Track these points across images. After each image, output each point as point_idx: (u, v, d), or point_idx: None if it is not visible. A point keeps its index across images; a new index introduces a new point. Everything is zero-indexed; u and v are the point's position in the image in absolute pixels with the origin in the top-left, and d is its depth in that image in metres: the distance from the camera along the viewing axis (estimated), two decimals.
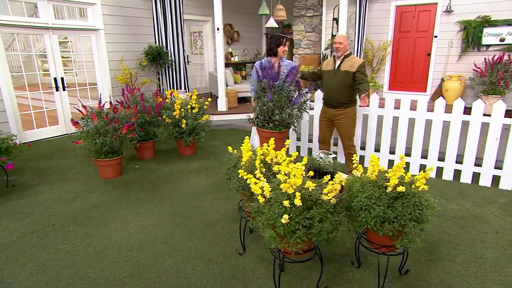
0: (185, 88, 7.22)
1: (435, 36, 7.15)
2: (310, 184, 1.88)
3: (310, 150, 4.78)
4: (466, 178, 3.84)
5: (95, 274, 2.39)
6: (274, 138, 2.44)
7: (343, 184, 2.17)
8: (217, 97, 6.93)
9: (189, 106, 4.68)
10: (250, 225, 2.17)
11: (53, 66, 5.66)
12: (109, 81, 6.51)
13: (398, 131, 4.07)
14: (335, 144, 4.58)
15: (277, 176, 2.02)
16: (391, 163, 4.22)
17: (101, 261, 2.54)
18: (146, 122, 4.58)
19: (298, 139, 4.80)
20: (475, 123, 3.67)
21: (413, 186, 2.01)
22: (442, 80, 7.02)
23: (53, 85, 5.73)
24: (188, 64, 8.04)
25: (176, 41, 6.95)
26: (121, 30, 6.59)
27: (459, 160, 3.87)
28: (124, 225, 3.04)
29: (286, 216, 1.81)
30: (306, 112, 3.89)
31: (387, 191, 1.98)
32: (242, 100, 7.61)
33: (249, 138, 2.59)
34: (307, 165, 2.85)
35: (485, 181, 3.74)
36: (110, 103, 4.40)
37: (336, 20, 7.71)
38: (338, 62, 3.63)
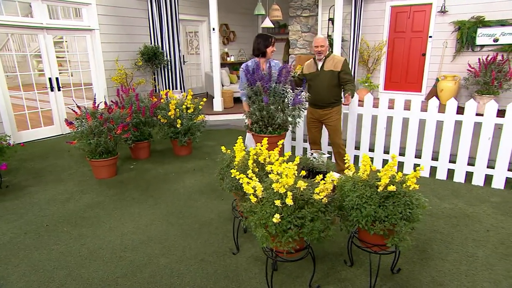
0: (181, 88, 7.22)
1: (430, 36, 7.21)
2: (302, 184, 1.89)
3: (305, 150, 4.80)
4: (459, 178, 3.87)
5: (88, 274, 2.39)
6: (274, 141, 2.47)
7: (335, 184, 2.19)
8: (213, 97, 6.94)
9: (184, 106, 4.68)
10: (243, 225, 2.17)
11: (47, 66, 5.64)
12: (105, 81, 6.49)
13: (392, 131, 4.09)
14: (330, 144, 4.59)
15: (269, 175, 2.03)
16: (385, 162, 4.25)
17: (95, 261, 2.54)
18: (141, 122, 4.57)
19: (293, 139, 4.82)
20: (468, 123, 3.70)
21: (404, 185, 2.02)
22: (437, 80, 7.07)
23: (48, 85, 5.71)
24: (184, 64, 8.03)
25: (172, 41, 6.95)
26: (116, 30, 6.58)
27: (453, 160, 3.90)
28: (118, 225, 3.04)
29: (277, 216, 1.82)
30: (302, 110, 3.87)
31: (378, 190, 2.00)
32: (238, 100, 7.59)
33: (243, 139, 2.60)
34: (301, 164, 2.87)
35: (478, 180, 3.77)
36: (105, 103, 4.38)
37: (331, 20, 7.74)
38: (320, 63, 3.64)
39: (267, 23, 7.45)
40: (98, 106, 4.10)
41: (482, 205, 3.32)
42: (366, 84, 7.76)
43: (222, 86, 7.43)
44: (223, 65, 8.92)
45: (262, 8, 7.42)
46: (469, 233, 2.83)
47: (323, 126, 3.98)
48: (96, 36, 6.24)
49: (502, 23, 6.27)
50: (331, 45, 7.78)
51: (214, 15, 6.21)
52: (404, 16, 7.50)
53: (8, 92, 5.26)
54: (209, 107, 6.94)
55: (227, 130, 6.28)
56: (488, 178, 3.74)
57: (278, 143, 2.53)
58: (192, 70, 9.29)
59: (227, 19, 9.36)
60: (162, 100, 4.84)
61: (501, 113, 3.52)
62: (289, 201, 1.83)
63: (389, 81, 8.01)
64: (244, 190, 1.98)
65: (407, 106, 4.01)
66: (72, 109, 4.16)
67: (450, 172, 3.93)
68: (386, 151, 4.24)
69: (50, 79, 5.69)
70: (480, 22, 6.48)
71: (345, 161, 2.28)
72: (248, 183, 1.97)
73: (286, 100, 3.52)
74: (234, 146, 2.44)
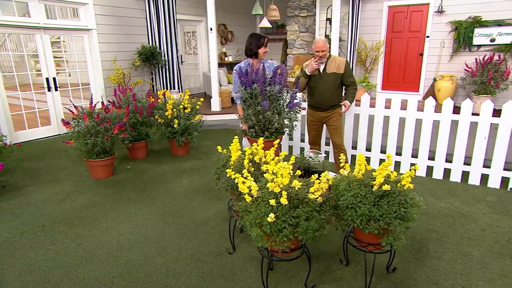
0: (178, 88, 7.22)
1: (427, 36, 7.21)
2: (297, 183, 1.90)
3: (302, 150, 4.81)
4: (455, 177, 3.88)
5: (84, 274, 2.39)
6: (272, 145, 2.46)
7: (331, 183, 2.19)
8: (211, 97, 6.94)
9: (181, 106, 4.68)
10: (238, 224, 2.18)
11: (45, 66, 5.63)
12: (102, 81, 6.49)
13: (389, 130, 4.10)
14: (327, 144, 4.60)
15: (265, 175, 2.03)
16: (382, 162, 4.25)
17: (91, 261, 2.54)
18: (138, 122, 4.57)
19: (291, 138, 4.82)
20: (464, 122, 3.71)
21: (398, 184, 2.03)
22: (434, 80, 7.08)
23: (45, 85, 5.70)
24: (181, 64, 8.03)
25: (170, 41, 6.94)
26: (114, 30, 6.58)
27: (449, 159, 3.91)
28: (114, 225, 3.04)
29: (272, 215, 1.82)
30: (299, 111, 3.70)
31: (373, 189, 2.01)
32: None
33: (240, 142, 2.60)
34: (297, 164, 2.87)
35: (474, 179, 3.78)
36: (102, 103, 4.38)
37: (329, 20, 7.75)
38: (322, 66, 3.54)
39: (265, 23, 7.46)
40: (95, 106, 4.10)
41: (478, 204, 3.33)
42: (364, 84, 7.76)
43: (220, 86, 7.44)
44: (221, 65, 8.93)
45: (260, 8, 7.43)
46: (465, 232, 2.84)
47: (323, 127, 3.93)
48: (94, 36, 6.23)
49: (498, 23, 6.28)
50: (329, 44, 7.80)
51: (212, 15, 6.22)
52: (401, 16, 7.51)
53: (5, 92, 5.25)
54: (207, 107, 6.94)
55: (225, 130, 6.28)
56: (484, 178, 3.75)
57: (274, 143, 2.54)
58: (190, 70, 9.29)
59: (225, 19, 9.36)
60: (159, 100, 4.84)
61: (498, 113, 3.53)
62: (283, 200, 1.83)
63: (387, 81, 8.01)
64: (239, 190, 1.98)
65: (404, 106, 4.02)
66: (69, 109, 4.16)
67: (447, 172, 3.94)
68: (383, 151, 4.25)
69: (47, 79, 5.68)
70: (477, 22, 6.49)
71: (340, 161, 2.28)
72: (243, 182, 1.98)
73: (281, 102, 3.30)
74: (230, 145, 2.45)
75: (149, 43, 6.92)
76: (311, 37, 8.56)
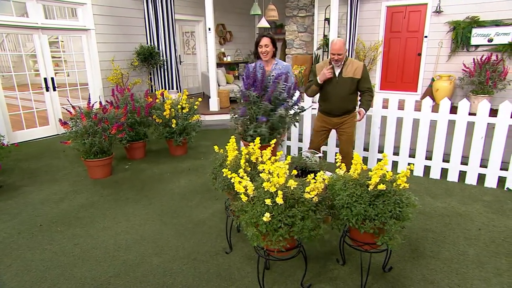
0: (177, 88, 7.22)
1: (426, 36, 7.23)
2: (292, 183, 1.90)
3: (300, 150, 4.81)
4: (452, 177, 3.89)
5: (81, 274, 2.40)
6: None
7: (327, 183, 2.20)
8: (209, 97, 6.94)
9: (179, 106, 4.69)
10: (234, 224, 2.18)
11: (43, 66, 5.63)
12: (100, 81, 6.49)
13: (387, 130, 4.11)
14: (325, 144, 4.61)
15: (261, 175, 2.04)
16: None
17: (88, 261, 2.54)
18: (136, 122, 4.58)
19: (288, 138, 4.83)
20: (461, 122, 3.72)
21: (394, 184, 2.04)
22: (433, 80, 7.10)
23: (43, 85, 5.70)
24: (180, 64, 8.03)
25: (168, 41, 6.94)
26: (112, 30, 6.58)
27: (446, 159, 3.92)
28: (112, 225, 3.05)
29: (267, 214, 1.83)
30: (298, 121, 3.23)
31: (369, 189, 2.01)
32: (234, 101, 7.62)
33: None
34: (294, 164, 2.88)
35: (471, 179, 3.79)
36: (100, 103, 4.38)
37: (328, 20, 7.75)
38: (338, 70, 3.29)
39: (263, 23, 7.46)
40: (93, 106, 4.10)
41: (475, 204, 3.34)
42: None
43: (219, 86, 7.44)
44: (219, 65, 8.93)
45: (258, 8, 7.44)
46: (461, 232, 2.85)
47: (330, 133, 3.67)
48: (92, 36, 6.23)
49: (496, 23, 6.30)
50: (327, 45, 7.81)
51: (210, 15, 6.22)
52: (399, 16, 7.52)
53: (2, 92, 5.25)
54: (206, 107, 6.95)
55: (223, 130, 6.28)
56: (481, 177, 3.76)
57: (270, 142, 2.54)
58: (188, 70, 9.29)
59: (224, 19, 9.36)
60: (157, 100, 4.84)
61: (495, 112, 3.54)
62: (279, 200, 1.84)
63: (385, 81, 8.03)
64: (236, 189, 1.99)
65: (402, 106, 4.03)
66: (67, 109, 4.16)
67: (444, 171, 3.95)
68: (381, 151, 4.26)
69: (45, 79, 5.68)
70: (475, 22, 6.51)
71: (336, 161, 2.29)
72: (239, 182, 1.98)
73: (278, 115, 2.69)
74: (227, 145, 2.45)
75: (147, 43, 6.92)
76: (309, 37, 8.57)
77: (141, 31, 6.98)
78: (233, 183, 2.02)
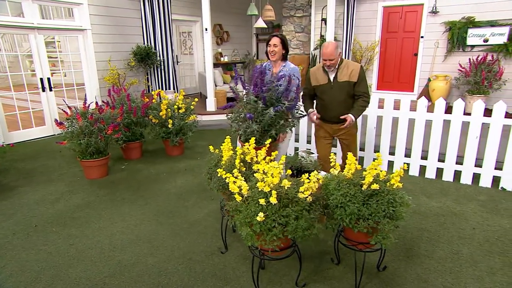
0: (174, 88, 7.21)
1: (422, 37, 7.25)
2: (286, 183, 1.91)
3: (296, 149, 4.82)
4: (448, 176, 3.91)
5: (76, 274, 2.39)
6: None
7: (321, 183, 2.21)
8: (207, 97, 6.94)
9: (175, 106, 4.68)
10: (228, 223, 2.19)
11: (39, 66, 5.61)
12: (97, 81, 6.47)
13: (382, 130, 4.12)
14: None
15: (255, 174, 2.04)
16: None
17: (83, 261, 2.54)
18: (133, 122, 4.57)
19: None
20: (456, 122, 3.74)
21: (388, 184, 2.05)
22: (429, 80, 7.12)
23: (39, 86, 5.68)
24: (177, 64, 8.03)
25: (165, 41, 6.94)
26: (108, 30, 6.56)
27: (442, 159, 3.94)
28: (108, 225, 3.04)
29: (261, 214, 1.83)
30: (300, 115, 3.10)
31: (363, 189, 2.02)
32: (231, 100, 7.61)
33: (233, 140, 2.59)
34: (289, 164, 2.89)
35: (466, 179, 3.81)
36: (96, 103, 4.37)
37: (324, 20, 7.77)
38: (332, 74, 3.08)
39: (260, 23, 7.47)
40: (89, 106, 4.09)
41: (469, 203, 3.36)
42: None
43: (216, 86, 7.44)
44: (217, 65, 8.93)
45: (255, 8, 7.44)
46: (456, 231, 2.87)
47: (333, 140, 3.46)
48: (88, 36, 6.21)
49: (491, 24, 6.33)
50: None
51: (207, 15, 6.22)
52: (396, 17, 7.54)
53: None
54: (203, 107, 6.95)
55: (220, 130, 6.29)
56: (476, 177, 3.78)
57: (265, 142, 2.54)
58: (185, 70, 9.28)
59: (221, 19, 9.36)
60: (153, 100, 4.84)
61: (491, 112, 3.56)
62: (273, 199, 1.84)
63: (382, 81, 8.05)
64: (230, 189, 1.99)
65: (398, 106, 4.04)
66: (62, 110, 4.15)
67: (439, 171, 3.97)
68: (377, 150, 4.27)
69: (41, 79, 5.66)
70: (471, 23, 6.53)
71: (331, 160, 2.30)
72: (234, 182, 1.99)
73: (268, 116, 2.66)
74: (222, 145, 2.46)
75: (144, 43, 6.91)
76: (306, 37, 8.59)
77: (138, 31, 6.97)
78: (228, 183, 2.02)
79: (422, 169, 4.06)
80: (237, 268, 2.45)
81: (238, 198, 1.98)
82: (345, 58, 7.62)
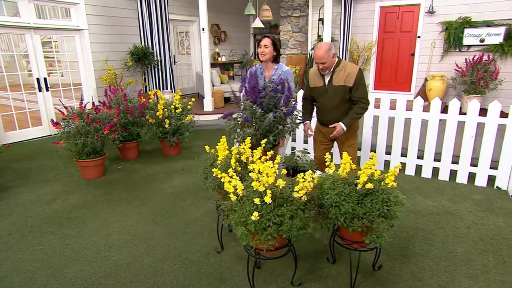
0: (171, 88, 7.21)
1: (419, 37, 7.28)
2: (281, 182, 1.91)
3: (292, 149, 4.83)
4: (443, 176, 3.92)
5: (71, 274, 2.39)
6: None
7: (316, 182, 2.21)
8: (204, 97, 6.94)
9: (172, 106, 4.68)
10: (223, 223, 2.19)
11: (35, 66, 5.60)
12: (94, 81, 6.46)
13: (378, 130, 4.14)
14: None
15: (250, 174, 2.05)
16: None
17: (79, 261, 2.53)
18: (129, 122, 4.57)
19: None
20: (452, 121, 3.76)
21: (382, 183, 2.06)
22: (426, 79, 7.14)
23: (36, 86, 5.66)
24: (174, 64, 8.02)
25: (162, 41, 6.93)
26: (105, 30, 6.55)
27: (438, 158, 3.95)
28: (104, 225, 3.04)
29: (256, 214, 1.84)
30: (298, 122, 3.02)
31: (357, 188, 2.03)
32: (229, 100, 7.63)
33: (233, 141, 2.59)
34: (285, 164, 2.90)
35: (462, 178, 3.83)
36: (93, 103, 4.37)
37: (322, 20, 7.78)
38: (327, 77, 2.90)
39: (257, 23, 7.48)
40: (85, 106, 4.09)
41: (465, 202, 3.37)
42: None
43: (213, 86, 7.44)
44: (214, 65, 8.93)
45: (252, 8, 7.45)
46: (451, 230, 2.88)
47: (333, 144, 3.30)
48: (85, 36, 6.20)
49: (488, 24, 6.36)
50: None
51: (204, 15, 6.22)
52: (393, 17, 7.57)
53: None
54: (200, 107, 6.95)
55: (218, 130, 6.29)
56: (472, 176, 3.80)
57: (261, 142, 2.55)
58: (183, 70, 9.28)
59: (218, 19, 9.36)
60: (150, 100, 4.83)
61: (487, 112, 3.58)
62: (267, 199, 1.85)
63: (379, 81, 8.07)
64: (225, 189, 2.00)
65: (395, 106, 4.05)
66: (59, 110, 4.14)
67: (435, 170, 3.99)
68: (373, 150, 4.29)
69: (38, 79, 5.65)
70: (467, 23, 6.57)
71: (326, 160, 2.31)
72: (229, 181, 1.99)
73: (267, 122, 2.65)
74: (217, 145, 2.46)
75: (141, 43, 6.91)
76: (304, 37, 8.60)
77: (135, 31, 6.96)
78: (223, 182, 2.03)
79: (418, 168, 4.07)
80: (233, 267, 2.45)
81: (233, 198, 1.99)
82: (342, 58, 7.65)
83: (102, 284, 2.30)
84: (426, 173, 4.01)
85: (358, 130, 3.20)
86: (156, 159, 4.75)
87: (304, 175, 2.00)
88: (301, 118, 2.93)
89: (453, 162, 3.87)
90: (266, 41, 2.96)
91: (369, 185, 1.97)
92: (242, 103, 2.76)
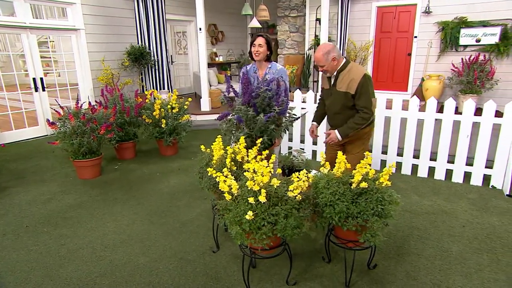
0: (168, 88, 7.20)
1: (415, 37, 7.31)
2: (275, 181, 1.92)
3: (289, 149, 4.83)
4: (439, 175, 3.94)
5: (66, 274, 2.39)
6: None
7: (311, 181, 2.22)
8: (201, 97, 6.93)
9: (169, 106, 4.68)
10: (219, 223, 2.19)
11: (31, 66, 5.58)
12: (91, 81, 6.45)
13: (375, 129, 4.14)
14: (314, 143, 4.65)
15: (245, 173, 2.05)
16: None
17: (74, 261, 2.53)
18: (126, 122, 4.56)
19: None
20: (447, 121, 3.77)
21: (377, 182, 2.06)
22: (422, 79, 7.17)
23: (32, 86, 5.64)
24: (172, 64, 8.02)
25: (159, 41, 6.93)
26: (102, 30, 6.54)
27: (434, 158, 3.97)
28: (99, 225, 3.04)
29: (250, 213, 1.84)
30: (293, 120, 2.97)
31: (352, 187, 2.04)
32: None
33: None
34: (281, 163, 2.90)
35: (457, 177, 3.84)
36: (89, 103, 4.36)
37: (319, 20, 7.79)
38: (332, 80, 2.76)
39: (255, 23, 7.48)
40: (81, 106, 4.08)
41: (460, 201, 3.39)
42: None
43: (210, 86, 7.44)
44: (211, 65, 8.93)
45: (249, 8, 7.45)
46: (446, 229, 2.89)
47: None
48: (82, 36, 6.19)
49: (483, 24, 6.39)
50: (318, 44, 7.84)
51: (201, 15, 6.22)
52: (390, 17, 7.59)
53: None
54: (197, 107, 6.94)
55: (215, 130, 6.28)
56: (467, 175, 3.81)
57: (257, 142, 2.55)
58: (180, 70, 9.27)
59: (215, 19, 9.36)
60: (147, 100, 4.83)
61: (479, 111, 3.60)
62: (262, 198, 1.85)
63: (376, 80, 8.08)
64: (220, 188, 2.00)
65: (391, 106, 4.06)
66: (55, 110, 4.13)
67: (431, 170, 4.00)
68: (370, 150, 4.29)
69: (34, 79, 5.63)
70: (463, 23, 6.59)
71: (321, 160, 2.31)
72: (224, 181, 2.00)
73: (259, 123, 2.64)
74: (212, 144, 2.46)
75: (138, 43, 6.89)
76: (301, 37, 8.61)
77: (132, 31, 6.95)
78: (218, 182, 2.03)
79: (414, 168, 4.08)
80: (228, 267, 2.45)
81: (228, 197, 1.99)
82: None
83: (97, 284, 2.29)
84: (422, 173, 4.02)
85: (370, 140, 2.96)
86: (153, 159, 4.74)
87: (299, 175, 2.01)
88: (295, 116, 2.90)
89: (448, 162, 3.88)
90: (260, 40, 2.93)
91: (364, 184, 1.97)
92: (236, 106, 2.75)
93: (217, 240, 2.70)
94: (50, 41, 7.58)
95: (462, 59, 6.48)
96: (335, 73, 2.70)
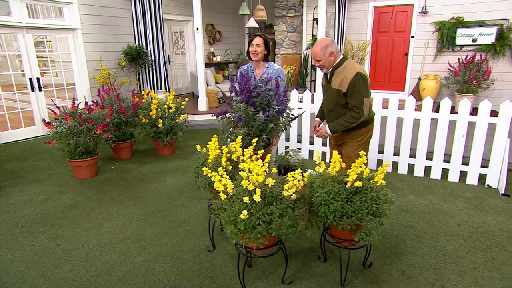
0: (165, 88, 7.20)
1: (412, 36, 7.33)
2: (270, 181, 1.92)
3: (286, 148, 4.84)
4: (435, 174, 3.95)
5: (62, 275, 2.38)
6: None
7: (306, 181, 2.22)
8: (198, 97, 6.93)
9: (165, 106, 4.68)
10: (214, 222, 2.20)
11: (28, 66, 5.56)
12: (88, 81, 6.43)
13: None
14: (311, 143, 4.66)
15: (240, 173, 2.05)
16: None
17: (69, 261, 2.52)
18: (122, 122, 4.55)
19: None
20: (443, 120, 3.78)
21: (371, 181, 2.07)
22: (419, 79, 7.20)
23: (28, 86, 5.63)
24: (169, 64, 8.01)
25: (156, 41, 6.92)
26: (99, 30, 6.52)
27: (429, 157, 3.98)
28: (96, 225, 3.03)
29: (245, 212, 1.84)
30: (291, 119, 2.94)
31: (347, 186, 2.04)
32: (223, 100, 7.62)
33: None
34: (277, 162, 2.91)
35: (453, 177, 3.86)
36: (86, 103, 4.35)
37: (316, 20, 7.81)
38: (328, 75, 2.74)
39: (252, 23, 7.48)
40: (77, 106, 4.07)
41: (456, 200, 3.40)
42: None
43: (207, 86, 7.44)
44: (209, 65, 8.92)
45: (246, 8, 7.46)
46: (441, 228, 2.90)
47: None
48: (79, 36, 6.17)
49: (480, 24, 6.42)
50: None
51: (198, 15, 6.22)
52: (387, 16, 7.61)
53: None
54: (195, 107, 6.94)
55: (212, 130, 6.28)
56: (463, 175, 3.83)
57: (252, 141, 2.56)
58: (178, 70, 9.26)
59: (213, 19, 9.36)
60: (144, 100, 4.82)
61: (475, 111, 3.61)
62: (256, 197, 1.85)
63: (373, 80, 8.11)
64: (215, 188, 2.00)
65: (387, 105, 4.07)
66: (51, 110, 4.12)
67: (427, 169, 4.01)
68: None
69: (30, 79, 5.61)
70: (460, 23, 6.63)
71: (316, 159, 2.31)
72: (219, 180, 2.00)
73: (259, 121, 2.64)
74: (208, 144, 2.46)
75: (135, 43, 6.89)
76: (298, 37, 8.62)
77: (129, 31, 6.94)
78: (214, 181, 2.03)
79: (411, 167, 4.10)
80: (224, 266, 2.46)
81: (223, 197, 1.99)
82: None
83: (92, 284, 2.29)
84: (418, 172, 4.04)
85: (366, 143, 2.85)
86: (150, 159, 4.74)
87: (294, 174, 2.01)
88: (293, 116, 2.90)
89: (444, 161, 3.90)
90: (258, 40, 2.94)
91: (358, 183, 1.98)
92: (235, 104, 2.76)
93: (213, 239, 2.70)
94: (47, 41, 7.57)
95: (458, 59, 6.51)
96: (330, 70, 2.68)
